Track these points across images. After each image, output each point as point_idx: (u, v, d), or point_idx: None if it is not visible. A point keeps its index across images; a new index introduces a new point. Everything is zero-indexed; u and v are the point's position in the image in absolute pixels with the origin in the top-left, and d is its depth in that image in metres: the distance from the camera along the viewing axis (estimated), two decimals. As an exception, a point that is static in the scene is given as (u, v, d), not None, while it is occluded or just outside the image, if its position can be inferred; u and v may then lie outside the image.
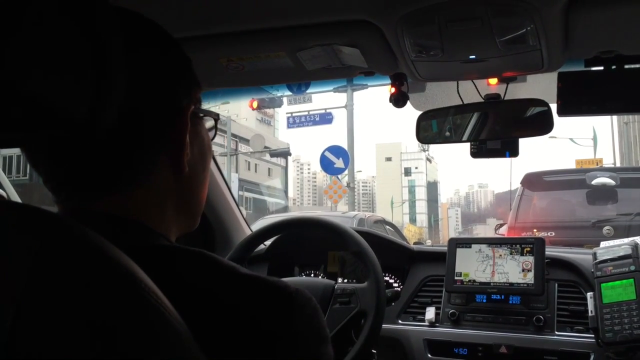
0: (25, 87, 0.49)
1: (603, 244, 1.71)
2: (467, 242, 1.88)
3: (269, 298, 0.62)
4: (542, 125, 1.49)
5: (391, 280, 2.00)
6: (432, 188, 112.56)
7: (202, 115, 0.76)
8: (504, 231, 6.64)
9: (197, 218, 0.77)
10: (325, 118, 16.36)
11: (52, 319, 0.47)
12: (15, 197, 3.45)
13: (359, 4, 1.11)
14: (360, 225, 7.41)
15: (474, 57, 1.27)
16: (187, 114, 0.69)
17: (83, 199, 0.66)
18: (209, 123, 0.79)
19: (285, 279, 1.71)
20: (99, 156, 0.64)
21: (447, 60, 1.29)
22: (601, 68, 1.31)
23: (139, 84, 0.63)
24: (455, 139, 1.60)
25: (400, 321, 1.88)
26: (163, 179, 0.68)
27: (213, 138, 0.81)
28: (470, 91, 1.54)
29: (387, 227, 8.96)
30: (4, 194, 3.23)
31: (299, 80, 1.55)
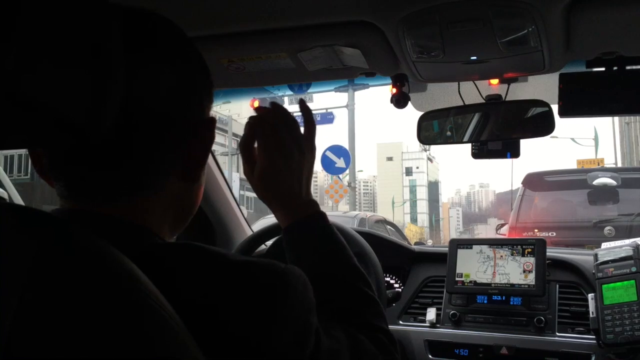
0: (25, 90, 0.49)
1: (604, 245, 1.71)
2: (468, 243, 1.88)
3: (261, 278, 0.64)
4: (543, 126, 1.49)
5: (392, 281, 2.00)
6: (433, 188, 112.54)
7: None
8: (505, 231, 6.64)
9: (188, 221, 0.78)
10: (326, 118, 16.35)
11: (52, 320, 0.47)
12: (17, 196, 3.45)
13: (360, 5, 1.11)
14: (362, 225, 7.42)
15: (475, 58, 1.27)
16: (212, 126, 0.71)
17: (91, 200, 0.66)
18: None
19: None
20: (113, 161, 0.64)
21: (448, 61, 1.29)
22: (603, 69, 1.31)
23: (158, 89, 0.64)
24: (457, 139, 1.60)
25: (401, 322, 1.88)
26: (174, 186, 0.70)
27: None
28: (472, 92, 1.54)
29: (388, 226, 8.97)
30: (5, 194, 3.23)
31: (300, 81, 1.55)
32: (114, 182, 0.65)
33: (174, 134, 0.67)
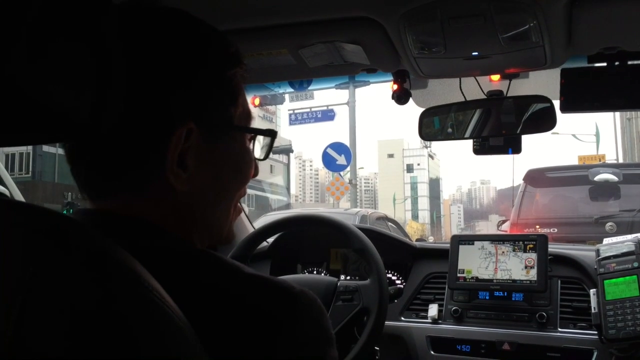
0: (29, 88, 0.49)
1: (606, 240, 1.70)
2: (469, 239, 1.88)
3: (273, 298, 0.62)
4: (545, 122, 1.49)
5: (394, 278, 2.00)
6: (434, 184, 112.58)
7: (250, 133, 0.71)
8: (506, 227, 6.64)
9: (212, 237, 0.72)
10: (327, 115, 16.32)
11: (56, 317, 0.47)
12: (18, 194, 3.45)
13: (362, 1, 1.11)
14: (363, 222, 7.42)
15: (476, 53, 1.27)
16: (178, 130, 0.63)
17: (94, 196, 0.67)
18: (263, 141, 0.74)
19: (288, 277, 1.70)
20: (102, 157, 0.64)
21: (449, 57, 1.29)
22: (604, 64, 1.31)
23: (137, 87, 0.61)
24: (458, 135, 1.60)
25: (403, 318, 1.88)
26: (161, 190, 0.65)
27: (265, 157, 0.76)
28: (473, 88, 1.54)
29: (390, 223, 8.96)
30: (6, 191, 3.23)
31: (301, 77, 1.55)
32: (104, 179, 0.65)
33: (151, 138, 0.63)
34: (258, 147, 0.75)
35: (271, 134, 0.75)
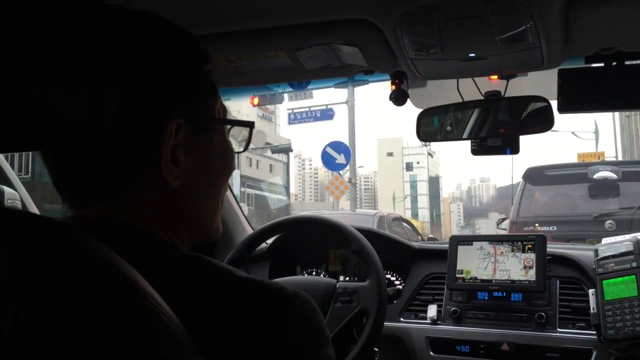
0: (23, 93, 0.49)
1: (605, 240, 1.71)
2: (468, 240, 1.88)
3: (267, 300, 0.61)
4: (542, 121, 1.49)
5: (393, 278, 2.00)
6: (434, 183, 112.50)
7: (230, 124, 0.73)
8: (506, 226, 6.65)
9: (203, 233, 0.74)
10: (326, 114, 16.32)
11: (51, 324, 0.47)
12: (26, 196, 3.45)
13: (358, 3, 1.11)
14: (380, 222, 7.68)
15: (473, 55, 1.27)
16: (169, 126, 0.65)
17: (77, 205, 0.66)
18: (242, 133, 0.76)
19: (287, 278, 1.70)
20: (87, 163, 0.64)
21: (446, 58, 1.29)
22: (601, 65, 1.31)
23: (127, 88, 0.61)
24: (456, 136, 1.60)
25: (402, 319, 1.88)
26: (152, 190, 0.66)
27: (245, 149, 0.78)
28: (471, 88, 1.54)
29: (404, 224, 9.15)
30: (16, 194, 3.23)
31: (299, 79, 1.55)
32: (93, 185, 0.65)
33: (143, 136, 0.64)
34: (234, 140, 0.77)
35: (249, 124, 0.78)
